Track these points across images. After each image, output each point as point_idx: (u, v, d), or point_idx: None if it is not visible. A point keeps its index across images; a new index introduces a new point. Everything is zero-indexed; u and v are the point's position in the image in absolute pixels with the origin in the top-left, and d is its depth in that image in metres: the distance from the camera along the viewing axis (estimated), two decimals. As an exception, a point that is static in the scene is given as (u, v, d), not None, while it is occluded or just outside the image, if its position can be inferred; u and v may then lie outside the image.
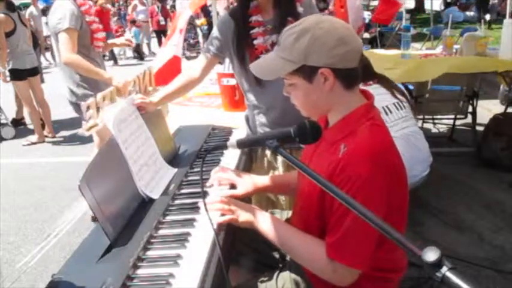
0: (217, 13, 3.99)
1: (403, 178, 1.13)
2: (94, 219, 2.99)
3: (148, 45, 12.53)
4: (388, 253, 1.14)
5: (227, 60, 1.99)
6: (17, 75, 4.94)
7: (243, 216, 1.26)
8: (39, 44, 7.30)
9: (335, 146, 1.12)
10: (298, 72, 1.11)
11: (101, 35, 2.94)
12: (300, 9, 1.79)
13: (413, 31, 3.91)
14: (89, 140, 5.02)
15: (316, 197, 1.12)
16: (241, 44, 1.78)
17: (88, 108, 1.84)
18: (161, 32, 11.47)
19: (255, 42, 1.76)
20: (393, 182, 1.07)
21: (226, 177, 1.48)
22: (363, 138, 1.08)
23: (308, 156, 1.25)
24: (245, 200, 1.49)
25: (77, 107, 2.87)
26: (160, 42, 11.63)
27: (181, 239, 1.21)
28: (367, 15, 8.57)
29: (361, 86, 1.19)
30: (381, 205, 1.04)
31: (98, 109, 1.92)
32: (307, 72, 1.10)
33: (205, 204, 1.18)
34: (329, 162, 1.10)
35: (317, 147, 1.22)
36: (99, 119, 1.89)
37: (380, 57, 3.72)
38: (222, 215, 1.25)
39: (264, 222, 1.24)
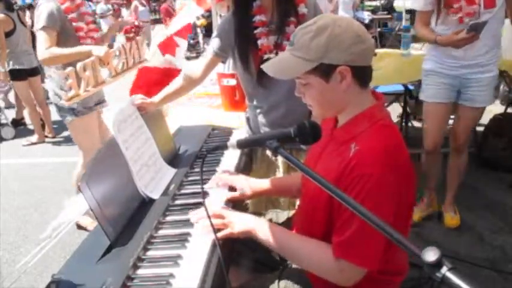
0: (217, 13, 3.99)
1: (412, 179, 1.12)
2: (79, 227, 2.97)
3: (148, 45, 12.54)
4: (391, 256, 1.13)
5: (227, 61, 1.99)
6: (17, 75, 4.94)
7: (238, 227, 1.22)
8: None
9: (345, 146, 1.11)
10: (314, 71, 1.10)
11: (84, 33, 2.71)
12: (304, 9, 1.78)
13: (413, 31, 3.89)
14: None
15: (325, 197, 1.11)
16: (244, 44, 1.78)
17: (67, 78, 1.77)
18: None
19: (258, 42, 1.76)
20: (403, 183, 1.07)
21: (225, 178, 1.48)
22: (374, 139, 1.08)
23: (315, 156, 1.23)
24: (242, 205, 1.48)
25: (57, 108, 2.76)
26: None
27: (182, 239, 1.21)
28: (366, 15, 8.58)
29: None
30: (391, 205, 1.04)
31: (79, 80, 1.85)
32: (324, 70, 1.09)
33: (205, 205, 1.17)
34: (339, 162, 1.09)
35: (325, 147, 1.21)
36: (81, 90, 1.83)
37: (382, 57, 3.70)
38: (218, 229, 1.21)
39: (262, 230, 1.21)
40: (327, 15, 1.16)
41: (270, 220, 1.59)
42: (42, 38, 2.52)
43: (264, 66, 1.19)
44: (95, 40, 2.77)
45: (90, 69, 1.92)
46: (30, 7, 8.77)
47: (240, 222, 1.23)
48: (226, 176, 1.52)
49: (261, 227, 1.22)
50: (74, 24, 2.64)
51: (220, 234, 1.19)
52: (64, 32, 2.59)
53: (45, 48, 2.50)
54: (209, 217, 1.17)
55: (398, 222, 1.07)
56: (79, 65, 1.85)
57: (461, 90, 2.49)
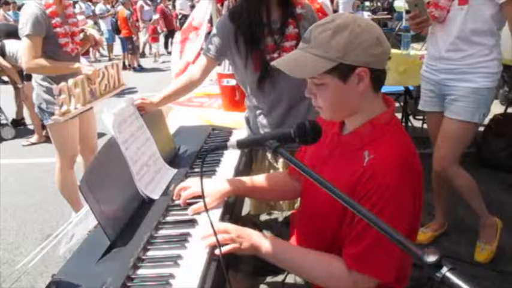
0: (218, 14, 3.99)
1: (423, 184, 1.11)
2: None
3: (150, 45, 12.53)
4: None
5: (227, 61, 1.99)
6: (29, 75, 4.91)
7: (244, 244, 1.17)
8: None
9: (357, 153, 1.09)
10: (332, 71, 1.05)
11: (67, 39, 2.64)
12: (302, 10, 1.80)
13: (413, 31, 3.87)
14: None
15: (340, 206, 1.05)
16: (246, 45, 1.77)
17: (60, 92, 1.76)
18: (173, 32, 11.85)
19: (260, 42, 1.76)
20: (418, 189, 1.07)
21: (190, 193, 1.38)
22: (389, 147, 1.06)
23: (320, 161, 1.20)
24: (238, 210, 1.45)
25: (39, 109, 2.74)
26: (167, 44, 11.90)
27: (182, 240, 1.21)
28: (366, 15, 8.58)
29: None
30: (407, 214, 1.03)
31: (69, 96, 1.85)
32: (343, 71, 1.05)
33: (205, 204, 1.17)
34: (352, 171, 1.07)
35: (332, 152, 1.18)
36: (71, 105, 1.83)
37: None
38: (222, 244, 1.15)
39: (266, 247, 1.16)
40: (347, 13, 1.12)
41: (272, 221, 1.58)
42: (27, 46, 2.49)
43: (277, 63, 1.13)
44: (77, 44, 2.74)
45: (80, 86, 1.93)
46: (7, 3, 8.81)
47: (246, 239, 1.17)
48: (190, 191, 1.39)
49: (264, 244, 1.17)
50: (57, 29, 2.58)
51: (224, 249, 1.13)
52: (46, 36, 2.55)
53: (31, 56, 2.48)
54: (209, 217, 1.16)
55: (412, 228, 1.07)
56: (71, 81, 1.85)
57: (444, 99, 2.27)
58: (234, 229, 1.18)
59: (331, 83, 1.07)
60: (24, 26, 2.48)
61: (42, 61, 2.50)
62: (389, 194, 1.00)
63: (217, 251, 1.12)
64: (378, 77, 1.08)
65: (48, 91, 2.63)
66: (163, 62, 10.89)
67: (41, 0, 2.55)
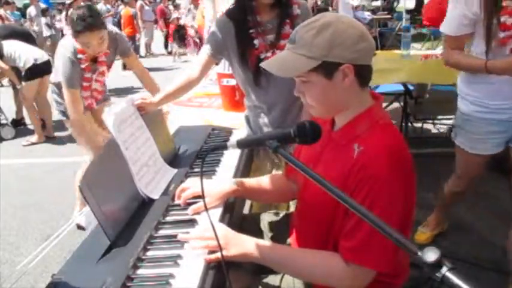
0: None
1: (414, 178, 1.12)
2: (79, 227, 2.97)
3: (149, 45, 12.53)
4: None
5: (225, 61, 2.00)
6: (30, 74, 4.83)
7: (233, 249, 1.13)
8: (37, 44, 7.24)
9: (347, 147, 1.10)
10: (317, 69, 1.06)
11: (88, 94, 2.77)
12: (298, 10, 1.80)
13: (413, 31, 3.85)
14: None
15: (334, 201, 1.04)
16: (241, 44, 1.78)
17: None
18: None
19: (254, 42, 1.77)
20: (409, 181, 1.07)
21: (190, 193, 1.39)
22: (378, 138, 1.07)
23: (313, 159, 1.21)
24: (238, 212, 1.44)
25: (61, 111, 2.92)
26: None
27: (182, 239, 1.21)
28: (367, 15, 8.58)
29: None
30: (399, 205, 1.03)
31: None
32: (327, 68, 1.06)
33: (205, 205, 1.17)
34: (343, 164, 1.08)
35: (323, 149, 1.19)
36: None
37: (383, 58, 3.70)
38: (211, 251, 1.13)
39: (259, 252, 1.14)
40: (329, 13, 1.15)
41: (272, 221, 1.58)
42: (68, 99, 2.60)
43: (265, 65, 1.15)
44: (98, 93, 2.87)
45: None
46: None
47: (235, 244, 1.15)
48: (190, 191, 1.40)
49: (256, 250, 1.15)
50: (84, 83, 2.69)
51: (211, 257, 1.12)
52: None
53: (77, 110, 2.62)
54: (209, 217, 1.16)
55: (405, 222, 1.07)
56: None
57: None
58: (223, 236, 1.14)
59: (316, 81, 1.09)
60: (63, 78, 2.57)
61: (86, 126, 2.72)
62: (380, 185, 1.01)
63: (212, 255, 1.12)
64: (363, 73, 1.10)
65: (53, 90, 2.86)
66: (176, 61, 10.93)
67: (77, 54, 2.56)
